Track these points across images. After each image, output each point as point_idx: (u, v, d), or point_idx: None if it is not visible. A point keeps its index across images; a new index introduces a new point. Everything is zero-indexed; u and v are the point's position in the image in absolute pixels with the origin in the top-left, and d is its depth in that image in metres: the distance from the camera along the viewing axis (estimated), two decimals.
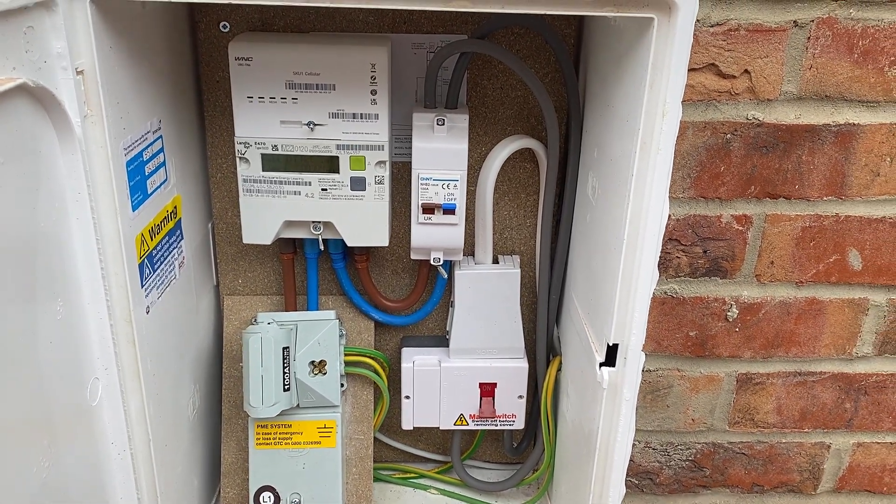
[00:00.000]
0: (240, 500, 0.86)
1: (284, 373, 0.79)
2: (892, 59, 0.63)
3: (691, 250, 0.70)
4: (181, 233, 0.77)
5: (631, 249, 0.65)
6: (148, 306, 0.69)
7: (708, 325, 0.73)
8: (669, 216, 0.69)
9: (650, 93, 0.60)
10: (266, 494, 0.82)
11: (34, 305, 0.55)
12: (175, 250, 0.76)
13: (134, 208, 0.65)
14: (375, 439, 0.97)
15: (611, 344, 0.69)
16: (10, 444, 0.53)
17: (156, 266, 0.71)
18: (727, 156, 0.66)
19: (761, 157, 0.66)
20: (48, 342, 0.57)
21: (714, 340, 0.73)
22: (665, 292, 0.71)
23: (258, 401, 0.77)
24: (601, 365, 0.71)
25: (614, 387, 0.70)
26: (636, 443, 0.79)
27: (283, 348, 0.79)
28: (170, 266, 0.75)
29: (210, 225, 0.86)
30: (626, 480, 0.79)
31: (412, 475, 0.98)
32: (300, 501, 0.83)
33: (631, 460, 0.79)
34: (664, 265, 0.70)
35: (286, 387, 0.79)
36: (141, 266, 0.68)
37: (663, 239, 0.68)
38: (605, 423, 0.72)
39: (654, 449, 0.79)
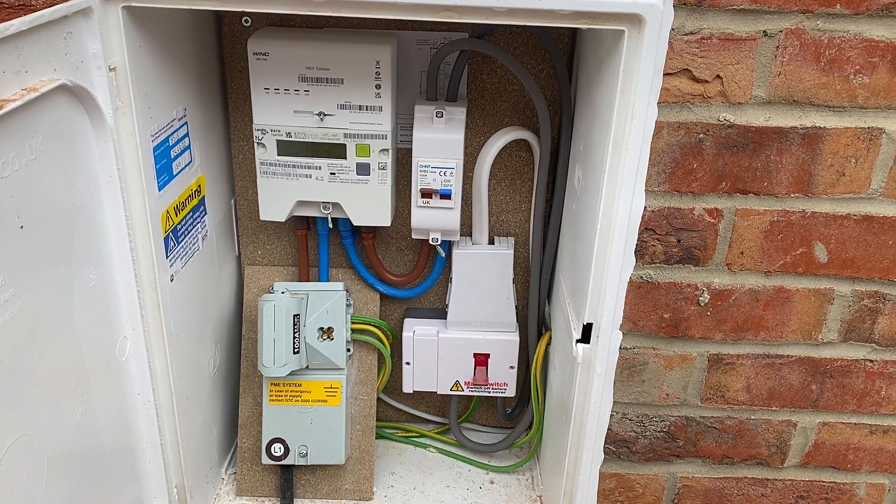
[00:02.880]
0: (254, 450, 0.95)
1: (294, 337, 0.87)
2: (858, 67, 0.67)
3: (666, 239, 0.76)
4: (205, 208, 0.86)
5: (603, 238, 0.72)
6: (172, 275, 0.78)
7: (681, 309, 0.79)
8: (645, 207, 0.74)
9: (621, 97, 0.66)
10: (277, 445, 0.91)
11: (71, 271, 0.64)
12: (199, 224, 0.84)
13: (160, 188, 0.74)
14: (380, 400, 1.06)
15: (585, 323, 0.76)
16: (50, 391, 0.62)
17: (180, 239, 0.79)
18: (700, 154, 0.71)
19: (732, 155, 0.71)
20: (82, 304, 0.66)
21: (687, 323, 0.79)
22: (641, 277, 0.77)
23: (270, 361, 0.86)
24: (577, 341, 0.78)
25: (588, 362, 0.77)
26: (614, 413, 0.86)
27: (294, 315, 0.87)
28: (193, 239, 0.83)
29: (233, 201, 0.94)
30: (604, 448, 0.86)
31: (413, 434, 1.06)
32: (307, 452, 0.92)
33: (609, 429, 0.86)
34: (640, 252, 0.76)
35: (296, 350, 0.87)
36: (166, 239, 0.76)
37: (639, 228, 0.74)
38: (580, 395, 0.79)
39: (630, 420, 0.86)
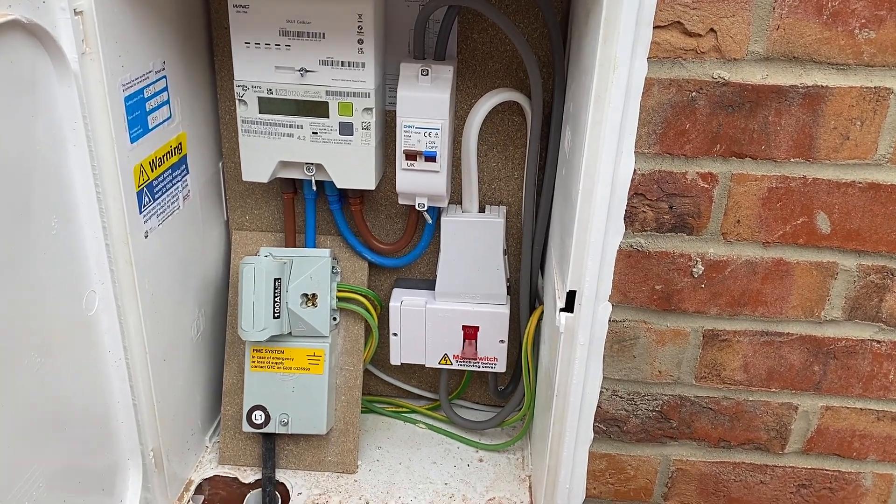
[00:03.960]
0: (237, 418, 0.94)
1: (275, 302, 0.85)
2: (863, 21, 0.62)
3: (657, 205, 0.72)
4: (186, 168, 0.84)
5: (586, 200, 0.68)
6: (147, 231, 0.76)
7: (674, 280, 0.75)
8: (635, 171, 0.71)
9: (603, 46, 0.62)
10: (257, 413, 0.90)
11: (30, 219, 0.63)
12: (179, 183, 0.83)
13: (133, 140, 0.72)
14: (370, 374, 1.03)
15: (568, 291, 0.73)
16: (5, 340, 0.61)
17: (156, 195, 0.78)
18: (693, 113, 0.67)
19: (727, 116, 0.67)
20: (43, 253, 0.64)
21: (680, 295, 0.75)
22: (631, 245, 0.73)
23: (249, 325, 0.84)
24: (561, 310, 0.74)
25: (571, 331, 0.74)
26: (604, 390, 0.82)
27: (275, 279, 0.85)
28: (172, 197, 0.81)
29: (220, 164, 0.93)
30: (594, 427, 0.82)
31: (403, 409, 1.04)
32: (288, 421, 0.90)
33: (599, 406, 0.83)
34: (630, 219, 0.72)
35: (276, 314, 0.85)
36: (140, 194, 0.75)
37: (629, 193, 0.71)
38: (563, 367, 0.76)
39: (621, 397, 0.82)
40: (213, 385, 0.96)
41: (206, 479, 0.94)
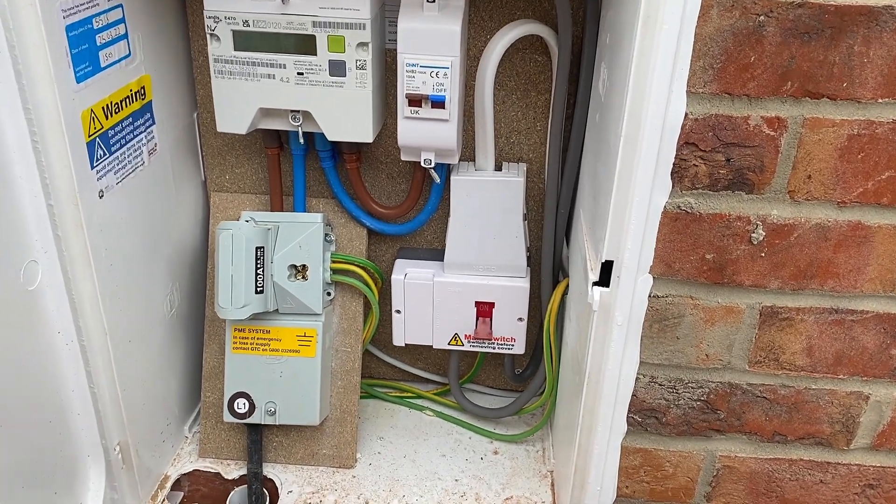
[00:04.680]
0: (219, 405, 0.82)
1: (257, 274, 0.73)
2: None
3: (712, 157, 0.60)
4: (152, 117, 0.72)
5: (629, 149, 0.56)
6: (101, 190, 0.64)
7: (728, 248, 0.63)
8: (686, 115, 0.58)
9: None
10: (240, 401, 0.78)
11: None
12: (143, 135, 0.70)
13: (79, 80, 0.60)
14: (371, 355, 0.92)
15: (604, 261, 0.61)
16: None
17: (114, 148, 0.66)
18: (759, 43, 0.55)
19: (802, 45, 0.55)
20: None
21: (735, 266, 0.63)
22: (679, 206, 0.61)
23: (226, 300, 0.72)
24: (594, 284, 0.62)
25: (606, 309, 0.62)
26: (640, 376, 0.70)
27: (258, 248, 0.73)
28: (135, 151, 0.69)
29: (195, 115, 0.80)
30: (628, 417, 0.71)
31: (408, 395, 0.92)
32: (275, 410, 0.78)
33: (634, 395, 0.71)
34: (679, 174, 0.60)
35: (259, 289, 0.74)
36: (91, 145, 0.62)
37: (678, 142, 0.58)
38: (596, 350, 0.64)
39: (660, 385, 0.71)
40: (191, 368, 0.85)
41: (184, 474, 0.83)
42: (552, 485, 0.83)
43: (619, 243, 0.59)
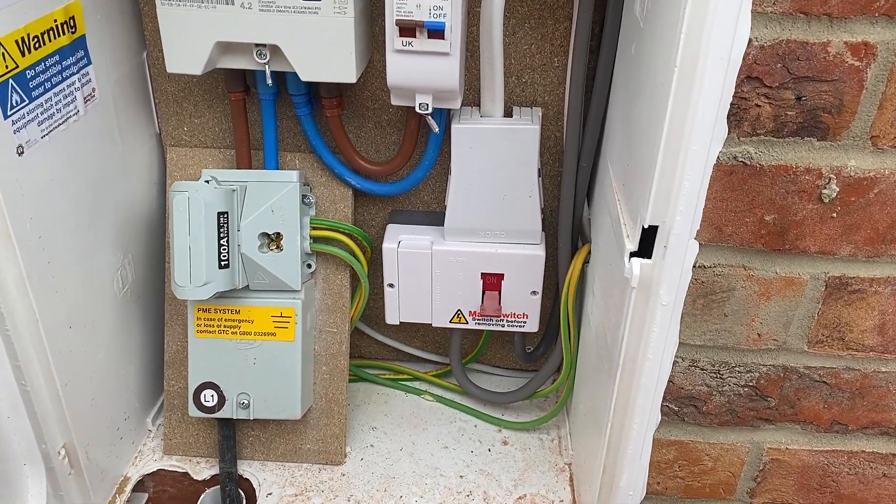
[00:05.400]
0: (185, 396, 0.71)
1: (221, 245, 0.61)
2: None
3: (779, 95, 0.48)
4: (86, 55, 0.59)
5: (685, 86, 0.44)
6: (21, 146, 0.52)
7: (793, 207, 0.51)
8: (750, 41, 0.46)
9: None
10: (208, 392, 0.67)
11: None
12: (74, 77, 0.57)
13: None
14: (360, 332, 0.80)
15: (646, 226, 0.49)
16: None
17: (34, 93, 0.53)
18: None
19: None
20: None
21: (799, 229, 0.52)
22: (735, 157, 0.49)
23: (184, 278, 0.60)
24: (632, 255, 0.51)
25: (647, 285, 0.50)
26: (678, 360, 0.59)
27: (220, 214, 0.61)
28: (64, 97, 0.57)
29: (145, 55, 0.67)
30: (662, 406, 0.60)
31: (404, 377, 0.81)
32: (249, 403, 0.67)
33: (670, 381, 0.60)
34: (736, 117, 0.48)
35: (223, 262, 0.62)
36: (2, 88, 0.50)
37: (738, 76, 0.46)
38: (633, 333, 0.53)
39: (702, 369, 0.60)
40: (151, 354, 0.74)
41: (147, 474, 0.72)
42: (570, 479, 0.72)
43: (667, 205, 0.47)
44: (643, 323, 0.52)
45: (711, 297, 0.57)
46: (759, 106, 0.49)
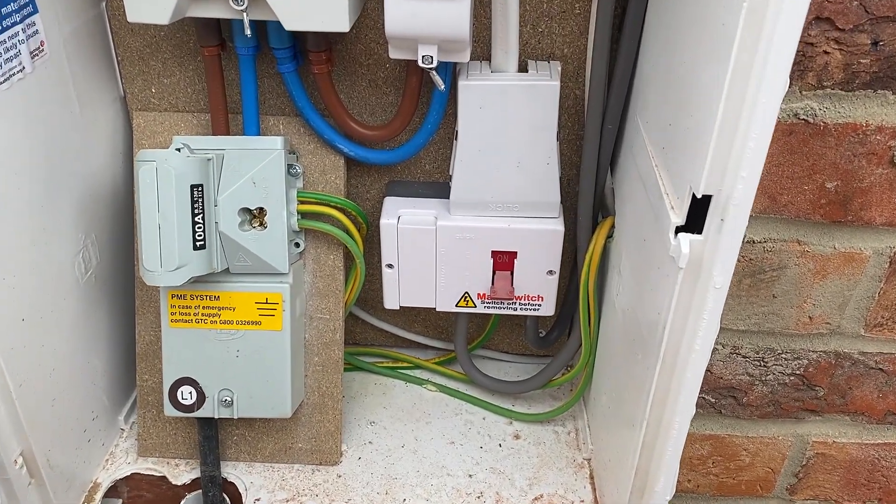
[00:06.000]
0: (160, 392, 0.64)
1: (195, 223, 0.53)
2: None
3: (852, 40, 0.40)
4: (31, 2, 0.50)
5: (754, 25, 0.36)
6: None
7: (859, 172, 0.44)
8: None
9: None
10: (185, 389, 0.59)
11: None
12: (18, 28, 0.49)
13: None
14: (357, 318, 0.73)
15: (699, 196, 0.41)
16: None
17: None
18: None
19: None
20: None
21: (865, 197, 0.45)
22: (796, 114, 0.42)
23: (154, 262, 0.52)
24: (679, 230, 0.43)
25: (698, 265, 0.43)
26: (718, 347, 0.53)
27: (194, 186, 0.53)
28: (6, 51, 0.48)
29: (104, 3, 0.58)
30: (698, 397, 0.53)
31: (404, 364, 0.74)
32: (232, 400, 0.60)
33: (708, 370, 0.54)
34: (800, 67, 0.41)
35: (199, 243, 0.54)
36: None
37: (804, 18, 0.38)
38: (677, 320, 0.46)
39: (744, 357, 0.53)
40: (122, 345, 0.66)
41: (120, 479, 0.64)
42: (591, 477, 0.66)
43: (724, 170, 0.40)
44: (690, 307, 0.45)
45: (760, 277, 0.50)
46: (827, 53, 0.42)
